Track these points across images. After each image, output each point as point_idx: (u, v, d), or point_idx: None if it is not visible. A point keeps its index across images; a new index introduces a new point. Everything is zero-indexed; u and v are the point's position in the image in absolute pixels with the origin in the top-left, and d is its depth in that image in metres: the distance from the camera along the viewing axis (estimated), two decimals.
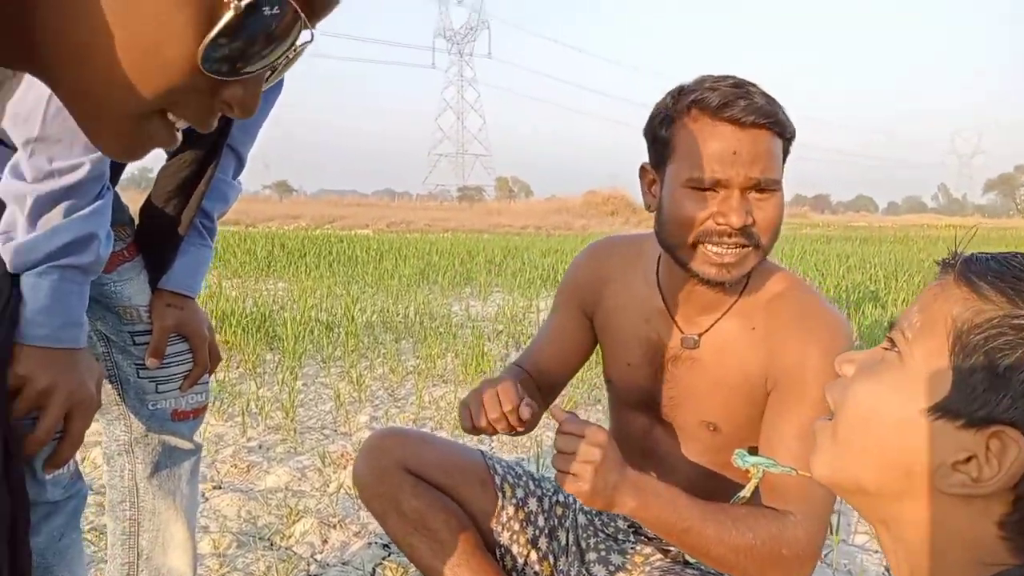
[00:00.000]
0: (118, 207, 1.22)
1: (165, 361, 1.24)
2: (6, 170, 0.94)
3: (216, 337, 1.34)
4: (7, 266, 0.93)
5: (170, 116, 0.49)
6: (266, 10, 0.46)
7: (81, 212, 0.96)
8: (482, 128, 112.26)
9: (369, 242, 12.50)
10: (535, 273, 8.47)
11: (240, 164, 1.36)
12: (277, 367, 4.01)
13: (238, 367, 3.99)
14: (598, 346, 1.43)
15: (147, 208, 1.23)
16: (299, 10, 0.47)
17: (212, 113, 0.50)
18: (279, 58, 0.49)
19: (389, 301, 6.35)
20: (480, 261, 9.89)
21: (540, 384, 1.44)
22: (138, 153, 0.51)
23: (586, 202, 33.06)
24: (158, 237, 1.23)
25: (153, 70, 0.45)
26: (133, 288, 1.21)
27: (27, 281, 0.94)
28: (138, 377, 1.24)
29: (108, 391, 1.24)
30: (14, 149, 0.96)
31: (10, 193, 0.94)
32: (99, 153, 0.95)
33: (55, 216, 0.94)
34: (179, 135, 0.51)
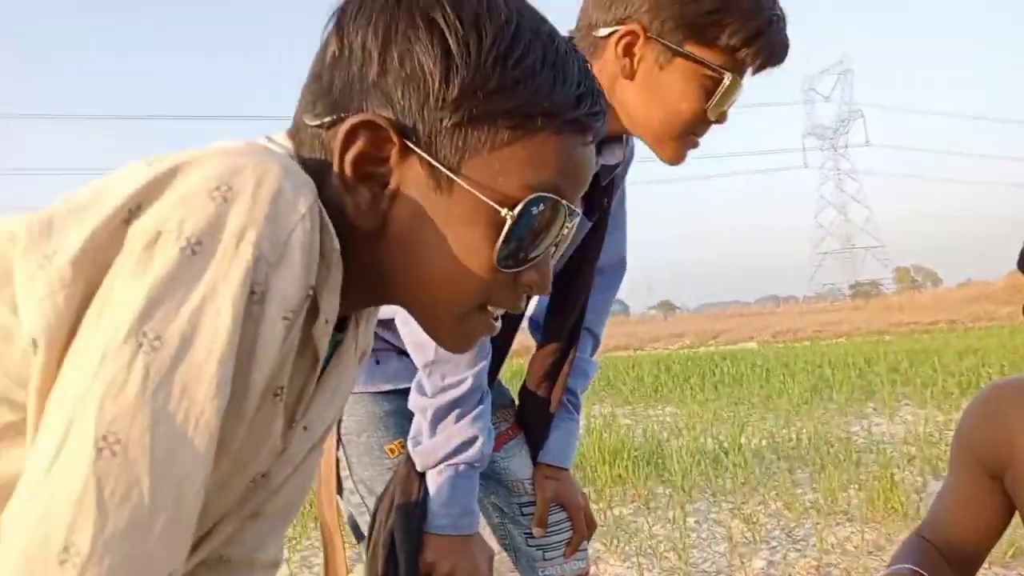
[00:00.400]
0: (499, 393, 1.40)
1: (548, 530, 1.36)
2: (413, 387, 1.15)
3: (589, 504, 1.44)
4: (416, 466, 1.12)
5: (489, 308, 0.64)
6: (534, 210, 0.59)
7: (467, 417, 1.12)
8: (869, 219, 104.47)
9: (754, 357, 12.14)
10: (951, 381, 7.41)
11: (596, 342, 1.48)
12: (668, 502, 4.02)
13: (632, 502, 4.08)
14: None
15: (523, 392, 1.40)
16: (559, 200, 0.60)
17: (519, 297, 0.64)
18: (556, 239, 0.63)
19: (779, 424, 6.05)
20: (881, 369, 8.98)
21: (950, 559, 1.24)
22: (469, 344, 0.67)
23: (1009, 284, 28.37)
24: (534, 416, 1.38)
25: (468, 279, 0.60)
26: (518, 463, 1.36)
27: (430, 478, 1.12)
28: (527, 545, 1.37)
29: (504, 560, 1.39)
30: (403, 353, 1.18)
31: (416, 406, 1.14)
32: (478, 368, 1.12)
33: (449, 422, 1.12)
34: (498, 324, 0.65)
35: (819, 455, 4.78)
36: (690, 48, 1.08)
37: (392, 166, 0.59)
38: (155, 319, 0.46)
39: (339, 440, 1.24)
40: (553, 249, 0.64)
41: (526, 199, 0.58)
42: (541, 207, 0.59)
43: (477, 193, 0.58)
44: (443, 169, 0.58)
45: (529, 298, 0.66)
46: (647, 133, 1.16)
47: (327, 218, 0.55)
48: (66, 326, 0.48)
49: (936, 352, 10.21)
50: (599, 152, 1.24)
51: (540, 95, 0.58)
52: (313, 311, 0.56)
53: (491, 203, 0.58)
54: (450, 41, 0.56)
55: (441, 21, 0.57)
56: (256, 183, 0.50)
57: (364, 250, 0.60)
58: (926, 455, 4.51)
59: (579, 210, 0.64)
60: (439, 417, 1.13)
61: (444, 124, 0.57)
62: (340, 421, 1.23)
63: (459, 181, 0.58)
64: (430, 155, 0.58)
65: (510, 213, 0.58)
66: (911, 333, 18.10)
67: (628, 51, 1.11)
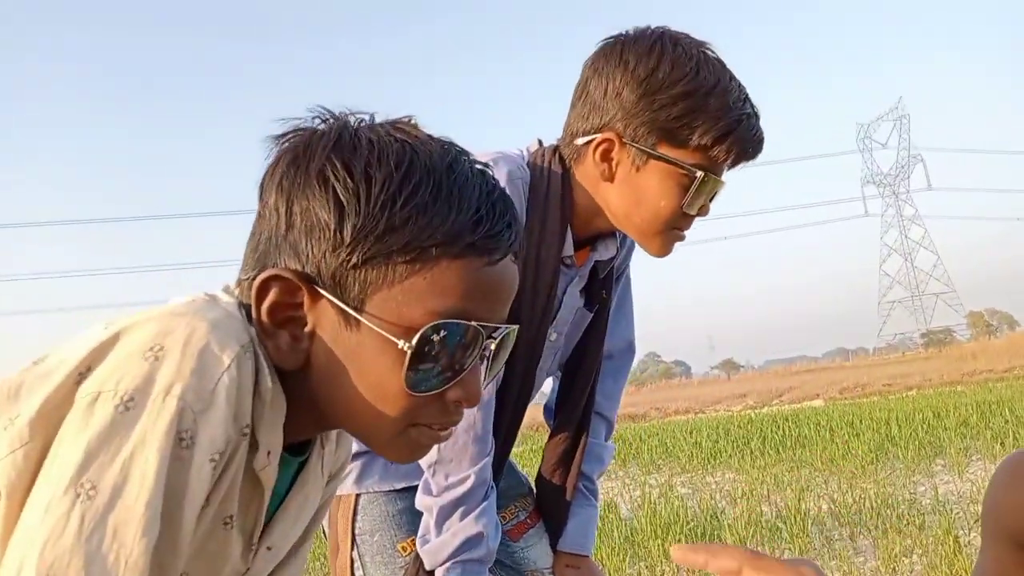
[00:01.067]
0: (517, 482, 1.44)
1: None
2: (420, 486, 1.21)
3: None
4: (425, 565, 1.17)
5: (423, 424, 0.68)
6: (435, 337, 0.64)
7: (472, 514, 1.18)
8: (936, 264, 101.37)
9: (819, 416, 11.78)
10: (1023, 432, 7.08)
11: (609, 427, 1.51)
12: None
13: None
14: None
15: (539, 479, 1.44)
16: (466, 322, 0.65)
17: (449, 412, 0.68)
18: (476, 357, 0.67)
19: (843, 487, 5.85)
20: (950, 423, 8.62)
21: None
22: (416, 455, 0.72)
23: None
24: (551, 504, 1.42)
25: (386, 406, 0.65)
26: (538, 552, 1.39)
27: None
28: None
29: None
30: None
31: (423, 505, 1.20)
32: (480, 464, 1.17)
33: (455, 520, 1.17)
34: (445, 433, 0.70)
35: (882, 519, 4.60)
36: (663, 150, 1.15)
37: (306, 310, 0.65)
38: (91, 470, 0.53)
39: (353, 540, 1.28)
40: (484, 363, 0.69)
41: (421, 329, 0.63)
42: (443, 333, 0.64)
43: (377, 328, 0.63)
44: (348, 309, 0.64)
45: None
46: (632, 230, 1.22)
47: (263, 361, 0.63)
48: (26, 478, 0.56)
49: (1009, 402, 9.76)
50: (594, 248, 1.31)
51: (432, 228, 0.63)
52: (254, 445, 0.63)
53: (389, 336, 0.63)
54: (340, 193, 0.63)
55: (331, 176, 0.64)
56: (184, 341, 0.57)
57: (296, 385, 0.66)
58: None
59: (504, 326, 0.69)
60: (445, 515, 1.18)
61: (345, 267, 0.63)
62: (354, 520, 1.28)
63: (363, 318, 0.64)
64: (336, 297, 0.64)
65: (408, 344, 0.63)
66: (985, 382, 17.31)
67: (606, 156, 1.18)
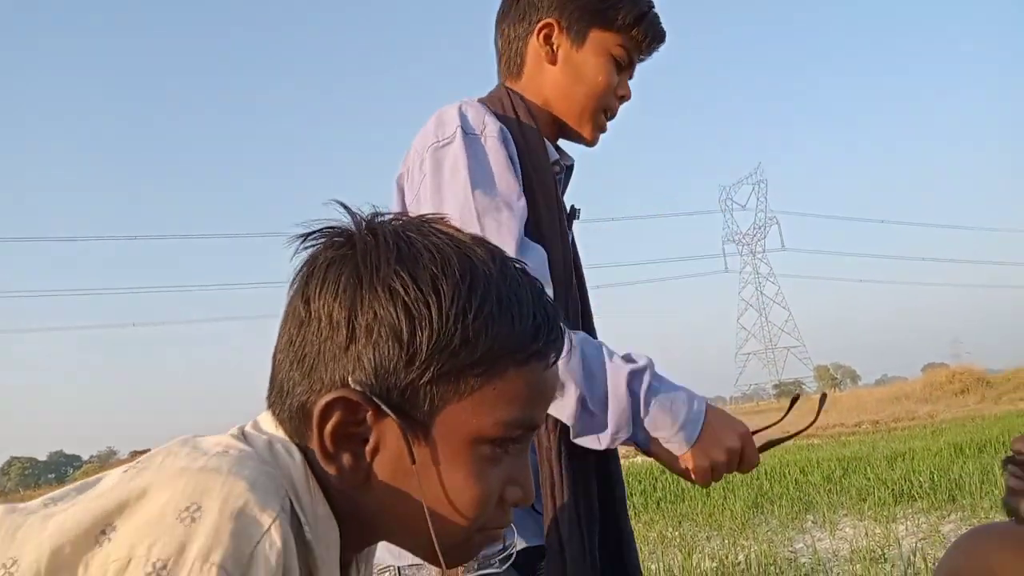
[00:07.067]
0: None
1: None
2: None
3: None
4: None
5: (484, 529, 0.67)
6: (507, 448, 0.66)
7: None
8: (788, 319, 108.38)
9: None
10: (885, 491, 7.58)
11: None
12: None
13: None
14: None
15: None
16: (532, 424, 0.67)
17: (506, 514, 0.68)
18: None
19: (727, 543, 6.03)
20: (817, 480, 9.12)
21: None
22: (471, 558, 0.70)
23: (927, 383, 29.60)
24: None
25: (459, 513, 0.64)
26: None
27: None
28: None
29: None
30: None
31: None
32: None
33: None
34: (500, 533, 0.69)
35: None
36: (595, 33, 1.36)
37: (370, 425, 0.63)
38: None
39: None
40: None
41: (493, 439, 0.64)
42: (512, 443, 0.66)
43: (449, 444, 0.63)
44: (419, 423, 0.62)
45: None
46: (571, 111, 1.38)
47: (311, 504, 0.61)
48: None
49: (865, 459, 10.46)
50: (560, 153, 1.42)
51: (501, 339, 0.62)
52: None
53: (462, 449, 0.64)
54: (411, 306, 0.61)
55: (400, 289, 0.61)
56: (223, 502, 0.53)
57: (345, 501, 0.64)
58: (873, 575, 4.55)
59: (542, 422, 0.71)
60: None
61: (417, 382, 0.61)
62: None
63: (434, 434, 0.63)
64: (404, 412, 0.62)
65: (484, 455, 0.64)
66: (838, 436, 18.54)
67: (547, 41, 1.38)
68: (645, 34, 1.37)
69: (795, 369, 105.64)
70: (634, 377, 1.17)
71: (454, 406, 0.62)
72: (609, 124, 1.42)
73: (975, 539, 1.30)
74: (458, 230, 0.68)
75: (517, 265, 0.68)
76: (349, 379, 0.61)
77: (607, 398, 1.16)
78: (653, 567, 5.19)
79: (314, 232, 0.66)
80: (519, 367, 0.63)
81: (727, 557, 5.54)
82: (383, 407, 0.61)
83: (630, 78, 1.40)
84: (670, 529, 7.02)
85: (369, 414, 0.62)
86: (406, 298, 0.61)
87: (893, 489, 7.59)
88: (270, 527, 0.54)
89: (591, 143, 1.41)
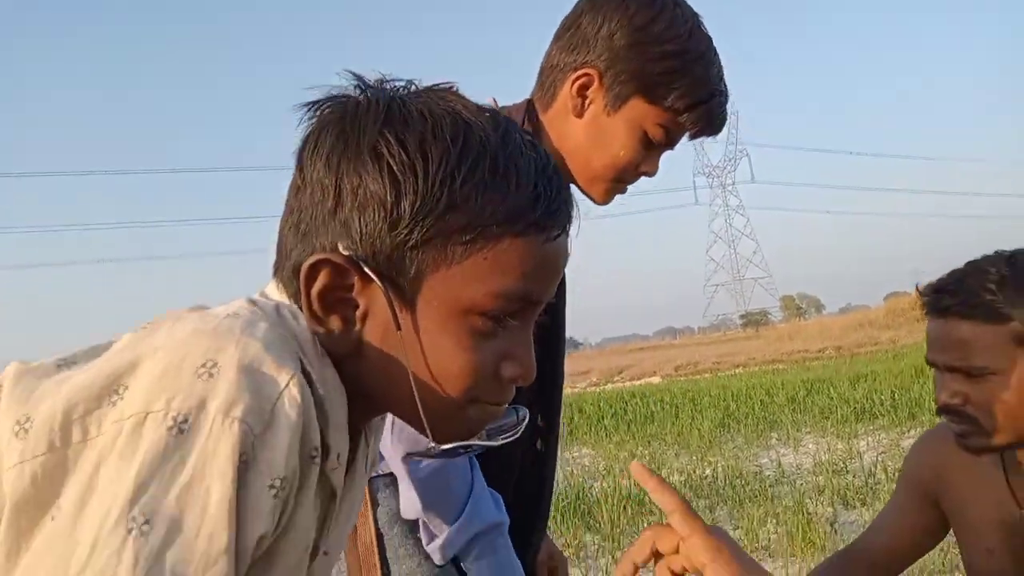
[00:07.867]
0: None
1: None
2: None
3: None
4: (436, 559, 1.09)
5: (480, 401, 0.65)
6: (499, 319, 0.63)
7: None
8: (756, 251, 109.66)
9: (661, 393, 12.46)
10: (847, 409, 7.83)
11: None
12: (598, 551, 4.05)
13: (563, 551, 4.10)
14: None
15: None
16: (530, 299, 0.63)
17: (504, 389, 0.66)
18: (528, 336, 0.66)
19: (695, 460, 6.22)
20: (782, 400, 9.39)
21: (874, 562, 1.42)
22: (471, 433, 0.68)
23: (889, 310, 30.29)
24: None
25: (449, 383, 0.63)
26: None
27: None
28: None
29: None
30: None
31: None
32: None
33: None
34: (500, 408, 0.67)
35: (735, 491, 4.94)
36: (637, 102, 1.16)
37: (357, 292, 0.62)
38: (143, 502, 0.47)
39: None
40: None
41: (486, 310, 0.61)
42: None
43: (437, 310, 0.61)
44: (407, 288, 0.61)
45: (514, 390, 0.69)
46: (583, 170, 1.23)
47: (319, 366, 0.59)
48: (45, 493, 0.50)
49: (829, 381, 10.76)
50: None
51: (493, 206, 0.60)
52: (326, 451, 0.58)
53: (450, 318, 0.61)
54: (396, 169, 0.59)
55: (385, 151, 0.59)
56: (239, 359, 0.52)
57: (348, 371, 0.63)
58: (835, 486, 4.73)
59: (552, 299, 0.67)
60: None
61: (402, 248, 0.60)
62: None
63: (420, 300, 0.61)
64: (391, 278, 0.61)
65: (475, 325, 0.62)
66: (802, 360, 19.01)
67: (582, 92, 1.18)
68: (696, 122, 1.19)
69: (762, 300, 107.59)
70: None
71: (443, 273, 0.61)
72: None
73: (931, 438, 1.44)
74: (467, 100, 0.65)
75: (526, 137, 0.65)
76: (339, 244, 0.60)
77: None
78: (624, 483, 5.35)
79: (321, 101, 0.64)
80: (515, 238, 0.61)
81: (695, 471, 5.72)
82: (367, 271, 0.60)
83: (666, 150, 1.22)
84: (640, 448, 7.21)
85: (356, 279, 0.61)
86: (391, 161, 0.59)
87: (855, 408, 7.84)
88: (289, 383, 0.53)
89: (601, 204, 1.26)
